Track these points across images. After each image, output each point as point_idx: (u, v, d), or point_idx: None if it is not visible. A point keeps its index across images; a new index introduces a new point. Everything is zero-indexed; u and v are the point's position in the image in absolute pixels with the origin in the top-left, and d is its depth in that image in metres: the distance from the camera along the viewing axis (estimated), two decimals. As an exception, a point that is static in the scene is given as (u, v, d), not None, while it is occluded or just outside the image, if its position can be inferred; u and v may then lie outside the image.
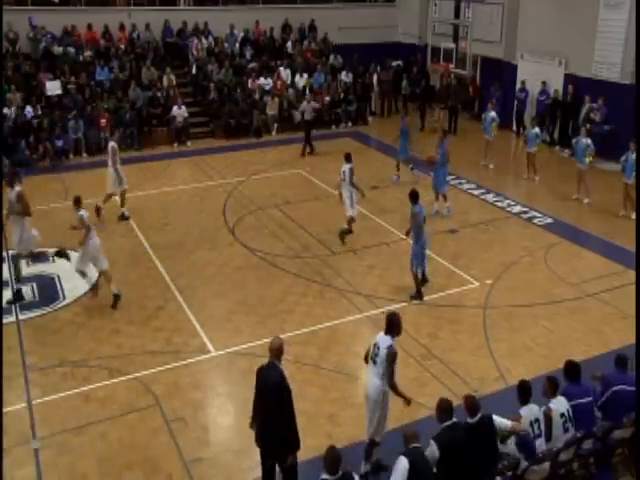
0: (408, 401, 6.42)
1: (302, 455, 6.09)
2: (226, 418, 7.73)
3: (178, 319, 9.47)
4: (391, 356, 6.27)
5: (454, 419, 5.68)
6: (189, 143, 18.37)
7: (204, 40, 21.41)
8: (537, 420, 6.01)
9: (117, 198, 13.09)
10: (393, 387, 6.35)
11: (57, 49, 19.53)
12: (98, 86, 18.90)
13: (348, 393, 7.89)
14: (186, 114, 18.57)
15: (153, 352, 8.69)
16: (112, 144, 12.84)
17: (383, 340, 6.35)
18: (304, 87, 20.94)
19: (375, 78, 21.95)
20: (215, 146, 18.33)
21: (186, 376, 8.24)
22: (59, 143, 16.85)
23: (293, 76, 21.27)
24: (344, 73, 21.76)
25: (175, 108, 18.40)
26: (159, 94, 19.13)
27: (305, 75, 21.28)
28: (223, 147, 18.28)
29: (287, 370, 5.95)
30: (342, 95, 21.01)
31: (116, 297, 9.76)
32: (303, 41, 22.97)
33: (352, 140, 18.90)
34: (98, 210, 12.63)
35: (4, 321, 9.19)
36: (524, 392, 6.12)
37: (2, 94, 16.79)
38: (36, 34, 19.53)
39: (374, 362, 6.38)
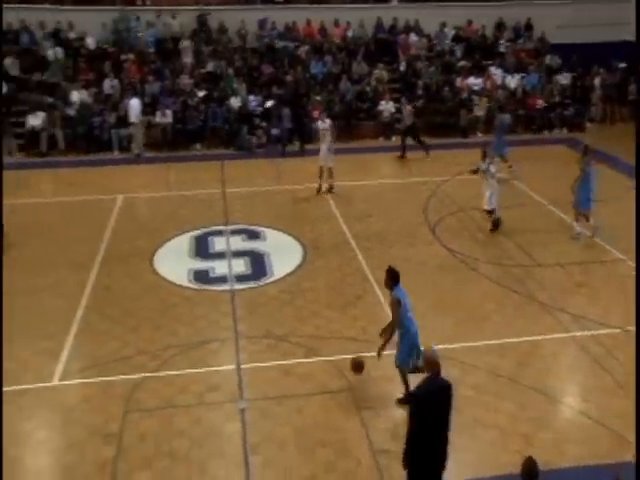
0: None
1: (494, 471, 5.88)
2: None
3: (375, 310, 9.64)
4: None
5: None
6: (394, 138, 18.61)
7: (414, 37, 21.50)
8: None
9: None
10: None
11: (278, 43, 20.97)
12: (312, 79, 19.94)
13: (546, 415, 7.44)
14: (393, 109, 18.83)
15: (349, 338, 8.96)
16: (329, 122, 14.07)
17: None
18: (515, 88, 20.08)
19: (597, 81, 20.28)
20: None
21: (378, 368, 8.37)
22: (274, 131, 18.09)
23: (505, 76, 20.49)
24: (561, 74, 20.43)
25: (383, 103, 18.75)
26: (368, 89, 19.64)
27: (517, 75, 20.39)
28: (428, 145, 18.21)
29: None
30: (558, 98, 19.76)
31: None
32: (517, 40, 22.00)
33: (566, 148, 17.66)
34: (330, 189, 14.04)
35: (221, 288, 10.17)
36: None
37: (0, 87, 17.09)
38: (263, 31, 21.20)
39: None
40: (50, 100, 17.71)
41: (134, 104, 17.20)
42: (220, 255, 11.47)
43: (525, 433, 7.15)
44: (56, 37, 19.96)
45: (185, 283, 10.45)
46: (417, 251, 11.60)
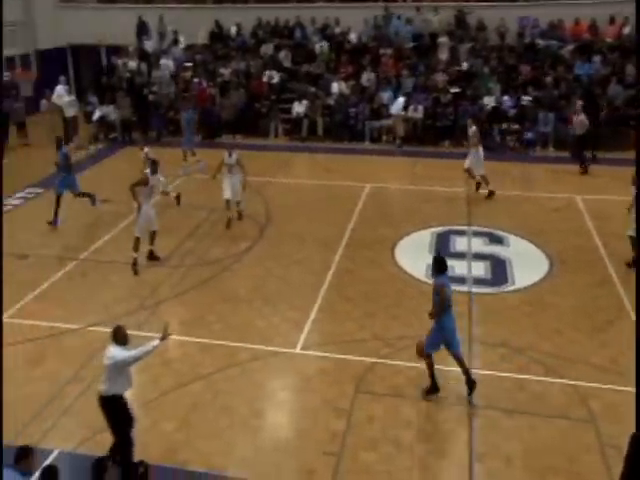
0: None
1: None
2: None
3: (629, 341, 8.67)
4: None
5: None
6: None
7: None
8: None
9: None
10: None
11: (540, 42, 19.84)
12: (575, 81, 18.53)
13: None
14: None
15: (595, 366, 8.21)
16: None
17: None
18: None
19: None
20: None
21: (628, 403, 7.55)
22: (528, 135, 17.26)
23: None
24: None
25: (659, 111, 16.68)
26: (643, 94, 17.61)
27: None
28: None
29: None
30: None
31: None
32: None
33: None
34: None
35: (459, 288, 10.04)
36: None
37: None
38: (524, 29, 20.25)
39: None
40: (314, 90, 19.13)
41: (399, 100, 17.75)
42: (460, 255, 11.33)
43: None
44: (324, 32, 21.47)
45: (423, 278, 10.54)
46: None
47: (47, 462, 6.14)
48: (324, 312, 9.70)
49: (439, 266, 7.64)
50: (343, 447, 7.03)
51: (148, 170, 11.06)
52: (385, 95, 18.65)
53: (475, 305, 9.75)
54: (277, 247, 11.79)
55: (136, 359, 6.41)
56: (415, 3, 21.41)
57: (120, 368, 6.36)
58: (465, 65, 19.60)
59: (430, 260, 10.90)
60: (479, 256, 11.23)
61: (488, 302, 9.86)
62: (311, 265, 10.79)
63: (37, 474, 5.48)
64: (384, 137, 18.06)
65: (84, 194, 12.98)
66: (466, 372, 7.68)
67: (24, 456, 5.29)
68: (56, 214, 12.59)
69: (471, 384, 7.67)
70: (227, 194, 12.34)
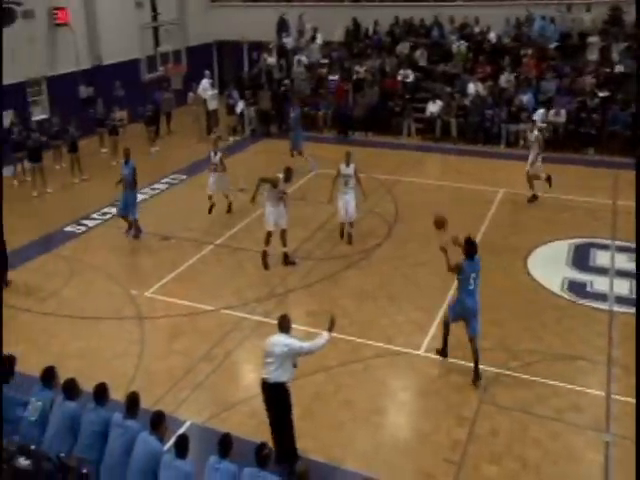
0: None
1: None
2: None
3: None
4: None
5: None
6: None
7: None
8: None
9: None
10: None
11: None
12: None
13: None
14: None
15: None
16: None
17: None
18: None
19: None
20: None
21: None
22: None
23: None
24: None
25: None
26: None
27: None
28: None
29: None
30: None
31: None
32: None
33: None
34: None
35: (598, 305, 9.47)
36: None
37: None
38: None
39: None
40: (449, 90, 18.74)
41: (539, 111, 16.97)
42: (601, 270, 10.62)
43: None
44: (462, 31, 20.94)
45: (558, 291, 10.01)
46: None
47: (180, 431, 6.53)
48: (450, 317, 9.51)
49: (469, 249, 7.90)
50: (464, 456, 6.87)
51: (282, 175, 10.79)
52: (524, 98, 17.86)
53: (616, 324, 9.10)
54: (405, 246, 11.71)
55: (309, 351, 6.64)
56: (566, 1, 20.27)
57: (292, 357, 6.57)
58: (618, 67, 18.26)
59: (567, 273, 10.52)
60: (623, 273, 10.43)
61: (631, 323, 9.11)
62: (438, 267, 10.49)
63: (172, 440, 5.87)
64: (521, 141, 17.30)
65: (134, 223, 12.34)
66: (476, 362, 7.97)
67: (159, 422, 5.68)
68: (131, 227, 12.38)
69: (476, 376, 7.97)
70: (341, 215, 11.72)
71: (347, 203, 11.62)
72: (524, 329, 9.11)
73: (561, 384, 7.88)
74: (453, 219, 12.44)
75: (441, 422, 7.36)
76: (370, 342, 8.86)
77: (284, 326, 6.64)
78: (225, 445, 5.47)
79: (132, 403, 5.89)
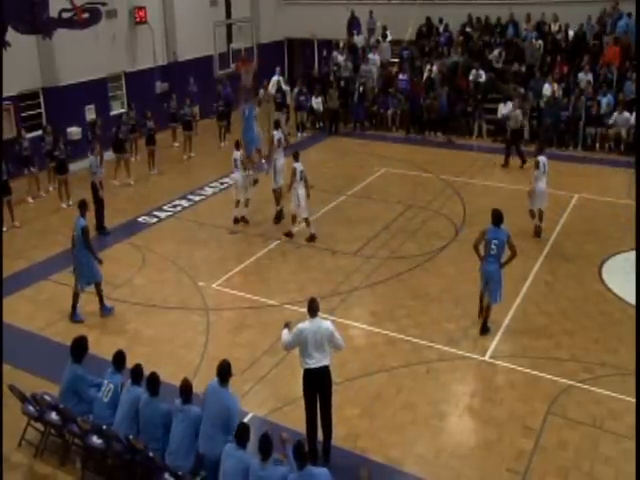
0: None
1: None
2: None
3: None
4: None
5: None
6: None
7: None
8: None
9: None
10: None
11: None
12: None
13: None
14: None
15: None
16: None
17: None
18: None
19: None
20: None
21: None
22: None
23: None
24: None
25: None
26: None
27: None
28: None
29: None
30: None
31: None
32: None
33: None
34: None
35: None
36: None
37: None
38: None
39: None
40: (522, 91, 18.14)
41: (624, 115, 16.23)
42: (682, 282, 10.05)
43: None
44: (539, 29, 20.22)
45: (634, 302, 9.53)
46: None
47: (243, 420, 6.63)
48: (518, 323, 9.23)
49: (494, 219, 8.69)
50: (529, 468, 6.65)
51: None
52: (604, 100, 17.10)
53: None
54: (471, 250, 11.39)
55: (338, 345, 6.73)
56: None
57: (332, 342, 6.64)
58: None
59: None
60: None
61: None
62: (507, 272, 10.31)
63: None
64: (600, 144, 16.53)
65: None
66: (485, 319, 8.82)
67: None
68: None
69: (484, 328, 8.82)
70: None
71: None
72: (596, 340, 8.74)
73: (635, 401, 7.50)
74: (523, 224, 12.20)
75: (505, 431, 7.16)
76: (433, 345, 8.72)
77: (313, 308, 6.66)
78: (265, 446, 5.51)
79: (187, 390, 6.29)
